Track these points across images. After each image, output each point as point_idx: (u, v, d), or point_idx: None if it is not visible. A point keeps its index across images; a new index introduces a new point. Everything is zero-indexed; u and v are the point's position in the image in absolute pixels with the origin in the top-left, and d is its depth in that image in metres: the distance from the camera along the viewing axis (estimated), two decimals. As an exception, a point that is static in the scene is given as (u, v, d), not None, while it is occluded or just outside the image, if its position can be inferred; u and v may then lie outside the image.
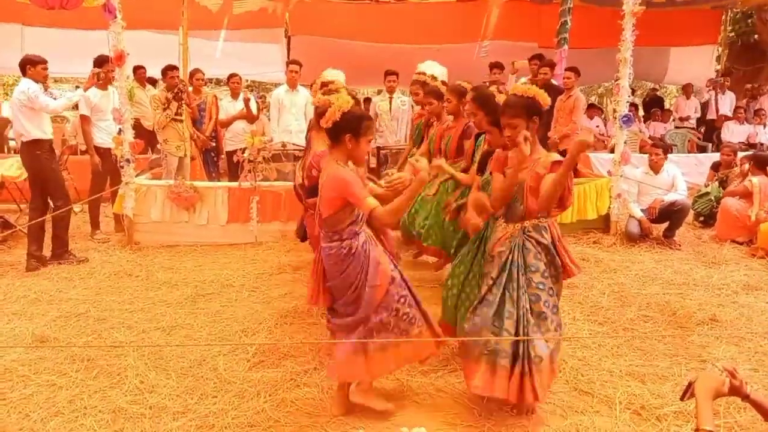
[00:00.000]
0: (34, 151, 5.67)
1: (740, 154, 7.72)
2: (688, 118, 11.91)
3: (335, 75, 7.24)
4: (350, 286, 2.98)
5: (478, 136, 4.20)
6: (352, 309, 3.02)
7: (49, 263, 5.76)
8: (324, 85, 4.15)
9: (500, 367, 2.92)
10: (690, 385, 2.01)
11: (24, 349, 3.89)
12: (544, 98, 3.05)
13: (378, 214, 2.83)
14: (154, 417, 3.11)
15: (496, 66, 8.22)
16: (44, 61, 5.72)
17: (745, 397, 1.97)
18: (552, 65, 7.85)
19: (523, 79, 8.19)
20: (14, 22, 10.46)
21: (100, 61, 6.37)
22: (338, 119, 2.89)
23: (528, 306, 2.96)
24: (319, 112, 3.14)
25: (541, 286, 2.99)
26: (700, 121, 12.08)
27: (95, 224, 6.73)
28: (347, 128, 2.92)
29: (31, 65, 5.67)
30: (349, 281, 2.98)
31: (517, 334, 2.94)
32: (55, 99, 5.81)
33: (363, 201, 2.85)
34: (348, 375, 3.11)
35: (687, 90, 12.17)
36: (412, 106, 7.67)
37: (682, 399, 2.05)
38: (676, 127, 11.73)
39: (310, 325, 4.31)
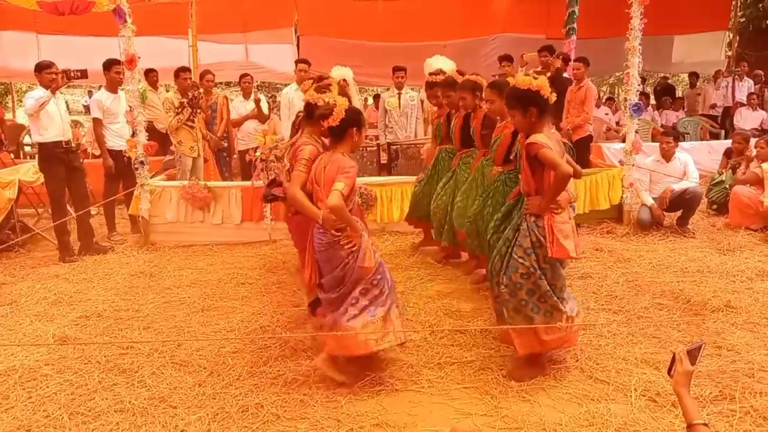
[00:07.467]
0: (38, 154, 6.08)
1: (752, 141, 7.66)
2: (714, 106, 11.65)
3: (342, 72, 7.32)
4: (339, 265, 3.31)
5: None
6: (338, 283, 3.35)
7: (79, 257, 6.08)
8: (317, 80, 4.35)
9: None
10: (673, 359, 2.17)
11: (47, 349, 3.97)
12: (545, 89, 3.18)
13: (333, 204, 3.11)
14: (170, 413, 3.17)
15: (505, 59, 8.26)
16: (48, 66, 5.79)
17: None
18: (567, 58, 7.84)
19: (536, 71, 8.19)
20: (29, 31, 10.64)
21: (109, 64, 6.45)
22: (345, 116, 3.31)
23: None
24: (321, 112, 3.48)
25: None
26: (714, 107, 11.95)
27: (111, 226, 6.82)
28: (353, 122, 3.36)
29: (37, 71, 5.82)
30: (339, 261, 3.30)
31: None
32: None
33: (335, 188, 3.15)
34: (342, 348, 3.34)
35: (716, 77, 12.01)
36: (422, 102, 7.68)
37: (669, 373, 2.20)
38: (689, 115, 11.62)
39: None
